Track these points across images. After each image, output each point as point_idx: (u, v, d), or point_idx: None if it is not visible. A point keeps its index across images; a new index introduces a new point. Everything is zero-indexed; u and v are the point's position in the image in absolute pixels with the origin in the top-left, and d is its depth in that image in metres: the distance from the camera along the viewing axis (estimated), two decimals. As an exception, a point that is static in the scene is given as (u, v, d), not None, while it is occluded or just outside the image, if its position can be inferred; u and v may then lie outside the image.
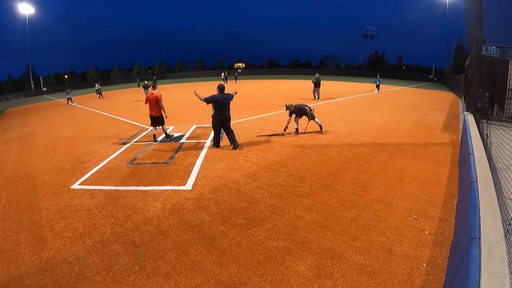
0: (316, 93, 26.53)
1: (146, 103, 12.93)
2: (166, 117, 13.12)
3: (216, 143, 11.94)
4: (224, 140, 12.60)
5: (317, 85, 26.42)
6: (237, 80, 55.03)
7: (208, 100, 11.42)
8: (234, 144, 11.62)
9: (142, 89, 33.64)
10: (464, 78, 21.47)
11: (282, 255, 5.10)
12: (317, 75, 27.04)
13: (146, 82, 35.96)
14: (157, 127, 13.26)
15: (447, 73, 62.22)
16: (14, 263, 5.40)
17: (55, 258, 5.44)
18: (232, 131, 11.79)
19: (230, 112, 11.80)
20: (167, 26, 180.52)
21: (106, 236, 6.03)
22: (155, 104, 12.74)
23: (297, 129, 13.68)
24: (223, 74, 60.21)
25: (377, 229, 5.79)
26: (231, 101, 11.73)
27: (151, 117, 12.99)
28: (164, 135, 13.84)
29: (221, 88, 11.62)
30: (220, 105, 11.35)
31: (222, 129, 11.81)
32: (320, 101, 24.98)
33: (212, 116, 11.67)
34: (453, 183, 7.77)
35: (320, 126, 13.86)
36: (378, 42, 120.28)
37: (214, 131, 11.93)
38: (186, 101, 28.95)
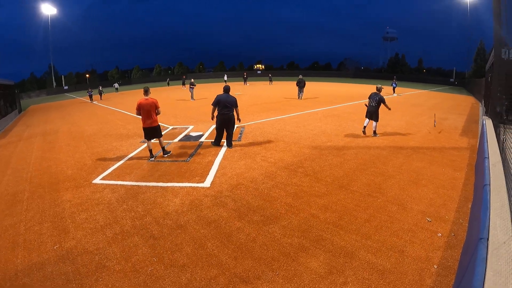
0: (300, 93, 29.26)
1: (138, 115, 10.66)
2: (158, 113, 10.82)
3: (216, 141, 12.17)
4: (243, 139, 12.87)
5: (298, 85, 29.19)
6: (272, 82, 55.23)
7: (214, 104, 11.66)
8: (230, 144, 12.01)
9: (184, 87, 32.17)
10: (484, 81, 21.20)
11: (296, 252, 5.22)
12: (300, 76, 30.09)
13: (192, 80, 33.50)
14: (152, 139, 11.09)
15: (468, 77, 61.27)
16: (36, 251, 5.66)
17: (76, 248, 5.68)
18: (232, 133, 12.16)
19: (233, 113, 11.89)
20: (188, 27, 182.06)
21: (126, 228, 6.26)
22: (151, 112, 10.52)
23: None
24: (225, 76, 60.96)
25: (390, 230, 5.87)
26: (236, 104, 11.84)
27: (145, 129, 10.68)
28: (186, 137, 13.69)
29: (226, 89, 11.85)
30: (223, 105, 11.58)
31: (224, 129, 11.97)
32: (339, 103, 25.04)
33: (216, 117, 11.80)
34: (468, 188, 7.76)
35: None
36: (399, 45, 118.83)
37: (216, 130, 12.05)
38: (205, 101, 29.20)
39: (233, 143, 12.42)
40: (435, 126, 15.47)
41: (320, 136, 13.57)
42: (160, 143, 11.14)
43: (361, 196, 7.42)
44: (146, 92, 10.68)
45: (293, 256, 5.10)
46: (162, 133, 11.33)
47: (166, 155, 11.12)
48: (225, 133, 12.11)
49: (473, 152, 10.85)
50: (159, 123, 10.84)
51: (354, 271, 4.69)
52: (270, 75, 57.89)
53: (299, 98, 29.16)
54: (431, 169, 9.19)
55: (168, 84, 65.97)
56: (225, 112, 11.61)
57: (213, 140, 12.47)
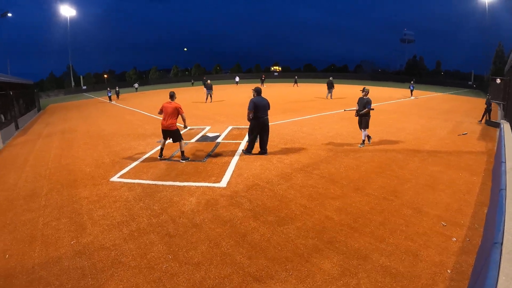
0: (329, 93, 31.40)
1: (160, 113, 10.77)
2: (185, 127, 11.25)
3: (250, 149, 11.17)
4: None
5: (328, 86, 31.50)
6: (297, 84, 53.43)
7: (250, 108, 10.54)
8: (265, 151, 11.16)
9: (204, 89, 30.98)
10: (503, 84, 20.87)
11: (310, 253, 5.26)
12: (330, 78, 32.62)
13: (209, 81, 31.62)
14: (167, 140, 10.97)
15: (486, 80, 60.14)
16: (54, 246, 5.84)
17: (93, 243, 5.84)
18: (268, 138, 11.25)
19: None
20: (205, 29, 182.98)
21: (143, 226, 6.38)
22: (171, 116, 10.49)
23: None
24: (237, 78, 61.51)
25: (404, 234, 5.85)
26: (269, 106, 11.00)
27: (163, 130, 10.71)
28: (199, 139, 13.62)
29: (258, 91, 10.81)
30: (259, 109, 10.64)
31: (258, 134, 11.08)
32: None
33: (251, 121, 10.84)
34: (485, 192, 7.66)
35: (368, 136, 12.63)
36: (416, 47, 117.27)
37: (250, 135, 11.10)
38: (222, 102, 29.41)
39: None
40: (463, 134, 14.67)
41: (336, 138, 13.54)
42: (180, 147, 10.90)
43: (376, 199, 7.41)
44: (171, 97, 10.69)
45: (306, 257, 5.13)
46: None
47: (183, 161, 10.75)
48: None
49: (490, 156, 10.72)
50: (177, 123, 10.70)
51: (367, 273, 4.70)
52: (296, 77, 56.20)
53: (327, 97, 31.05)
54: (448, 173, 9.11)
55: (193, 84, 66.69)
56: (263, 115, 10.77)
57: (244, 149, 11.50)
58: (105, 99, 41.06)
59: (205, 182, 8.69)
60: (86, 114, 27.57)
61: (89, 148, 13.48)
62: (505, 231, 3.41)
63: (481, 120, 18.13)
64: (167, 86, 69.26)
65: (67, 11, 74.07)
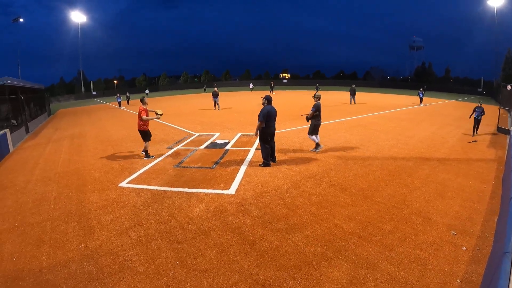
0: (352, 99, 33.44)
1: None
2: (158, 116, 12.38)
3: (269, 160, 10.65)
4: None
5: (350, 92, 33.83)
6: (319, 91, 52.17)
7: (263, 117, 10.12)
8: (274, 159, 10.97)
9: (212, 97, 30.89)
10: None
11: (318, 261, 5.24)
12: (352, 85, 35.03)
13: (215, 89, 31.22)
14: (147, 141, 12.25)
15: (496, 86, 59.52)
16: (62, 249, 5.90)
17: (101, 248, 5.89)
18: (274, 144, 11.04)
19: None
20: (215, 36, 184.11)
21: (151, 231, 6.41)
22: (139, 118, 11.88)
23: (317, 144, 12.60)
24: (251, 84, 62.61)
25: (414, 242, 5.80)
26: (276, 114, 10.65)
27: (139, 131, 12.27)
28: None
29: (269, 99, 10.48)
30: (272, 118, 10.36)
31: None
32: (365, 113, 24.92)
33: (263, 132, 10.30)
34: (495, 201, 7.59)
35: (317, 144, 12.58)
36: (425, 54, 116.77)
37: (265, 146, 10.52)
38: (232, 109, 29.57)
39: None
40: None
41: (346, 146, 13.47)
42: (144, 146, 12.31)
43: (386, 207, 7.36)
44: (141, 101, 12.24)
45: (315, 266, 5.12)
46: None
47: (145, 158, 12.19)
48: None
49: (500, 164, 10.62)
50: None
51: (376, 282, 4.67)
52: (317, 84, 54.52)
53: (351, 103, 32.93)
54: (457, 181, 9.04)
55: (205, 90, 67.29)
56: (273, 125, 10.49)
57: (261, 163, 10.76)
58: (114, 104, 41.34)
59: (214, 189, 8.71)
60: (96, 119, 27.77)
61: (98, 153, 13.59)
62: (516, 241, 3.37)
63: (473, 133, 16.44)
64: (178, 92, 69.84)
65: (78, 18, 74.82)
